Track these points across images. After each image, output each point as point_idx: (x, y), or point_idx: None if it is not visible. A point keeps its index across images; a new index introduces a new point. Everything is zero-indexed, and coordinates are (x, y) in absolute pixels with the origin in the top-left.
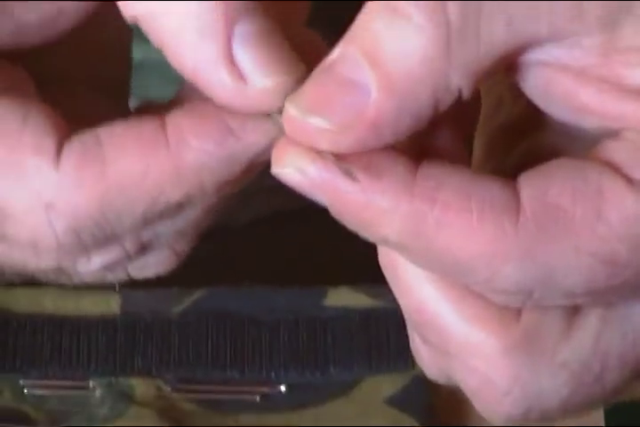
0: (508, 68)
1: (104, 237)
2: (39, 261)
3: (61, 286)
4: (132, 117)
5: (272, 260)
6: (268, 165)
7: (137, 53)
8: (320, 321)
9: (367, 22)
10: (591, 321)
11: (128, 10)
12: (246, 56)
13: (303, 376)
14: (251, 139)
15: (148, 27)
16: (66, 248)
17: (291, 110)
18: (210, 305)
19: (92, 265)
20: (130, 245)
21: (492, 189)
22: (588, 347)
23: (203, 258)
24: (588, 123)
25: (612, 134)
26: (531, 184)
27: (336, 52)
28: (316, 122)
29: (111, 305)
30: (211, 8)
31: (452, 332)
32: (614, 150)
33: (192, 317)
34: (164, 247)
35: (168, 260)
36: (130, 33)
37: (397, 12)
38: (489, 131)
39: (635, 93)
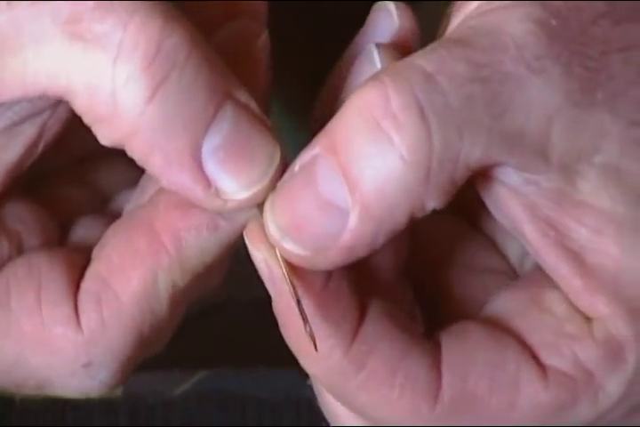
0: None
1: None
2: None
3: None
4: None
5: (274, 339)
6: None
7: None
8: None
9: (347, 134)
10: None
11: (99, 138)
12: (218, 172)
13: None
14: (242, 217)
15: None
16: (113, 386)
17: (271, 228)
18: (211, 386)
19: None
20: None
21: (418, 369)
22: None
23: (205, 338)
24: (529, 250)
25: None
26: (452, 369)
27: (314, 152)
28: (292, 248)
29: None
30: (174, 132)
31: None
32: (535, 327)
33: (194, 398)
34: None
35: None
36: None
37: (381, 133)
38: None
39: (573, 257)
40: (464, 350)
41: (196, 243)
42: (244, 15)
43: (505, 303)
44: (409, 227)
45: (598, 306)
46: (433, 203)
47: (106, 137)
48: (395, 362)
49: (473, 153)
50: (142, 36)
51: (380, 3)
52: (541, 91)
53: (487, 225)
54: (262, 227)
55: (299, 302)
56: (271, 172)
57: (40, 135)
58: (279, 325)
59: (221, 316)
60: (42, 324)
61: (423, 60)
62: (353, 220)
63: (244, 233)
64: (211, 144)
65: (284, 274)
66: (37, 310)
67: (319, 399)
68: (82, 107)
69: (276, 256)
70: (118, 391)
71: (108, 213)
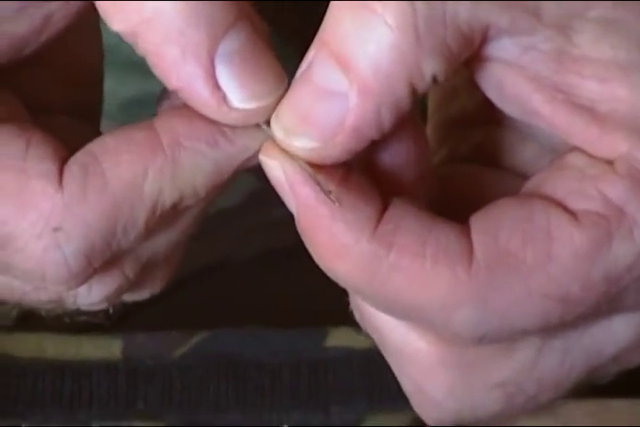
0: (467, 63)
1: (111, 257)
2: (41, 293)
3: (63, 331)
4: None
5: (273, 299)
6: (267, 202)
7: (140, 89)
8: (321, 362)
9: (335, 23)
10: (530, 347)
11: (113, 24)
12: (229, 78)
13: (305, 418)
14: (242, 142)
15: (133, 40)
16: (75, 273)
17: (277, 133)
18: (211, 348)
19: (92, 297)
20: (129, 269)
21: (448, 236)
22: (525, 371)
23: (203, 299)
24: (539, 126)
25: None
26: (482, 230)
27: (310, 56)
28: (301, 143)
29: (112, 349)
30: (195, 23)
31: (391, 335)
32: (559, 181)
33: (193, 360)
34: (158, 265)
35: (161, 278)
36: (101, 60)
37: (363, 8)
38: (441, 120)
39: (585, 110)
40: (491, 214)
41: (192, 154)
42: None
43: (528, 183)
44: (423, 130)
45: (618, 144)
46: (430, 66)
47: (122, 21)
48: (423, 234)
49: (460, 11)
50: None
51: None
52: None
53: (510, 163)
54: (275, 142)
55: (322, 190)
56: (278, 93)
57: (43, 25)
58: (302, 235)
59: (219, 276)
60: (25, 172)
61: None
62: (353, 98)
63: (260, 156)
64: (226, 49)
65: (303, 169)
66: (24, 158)
67: (360, 321)
68: None
69: (292, 158)
70: (117, 353)
71: None
